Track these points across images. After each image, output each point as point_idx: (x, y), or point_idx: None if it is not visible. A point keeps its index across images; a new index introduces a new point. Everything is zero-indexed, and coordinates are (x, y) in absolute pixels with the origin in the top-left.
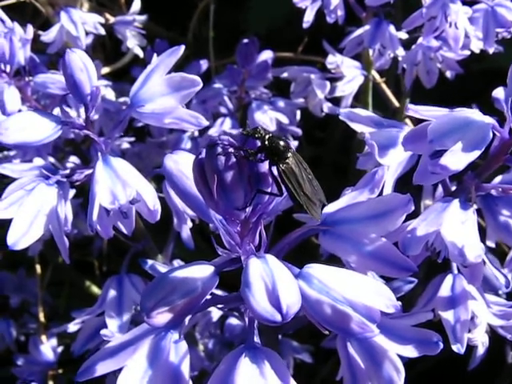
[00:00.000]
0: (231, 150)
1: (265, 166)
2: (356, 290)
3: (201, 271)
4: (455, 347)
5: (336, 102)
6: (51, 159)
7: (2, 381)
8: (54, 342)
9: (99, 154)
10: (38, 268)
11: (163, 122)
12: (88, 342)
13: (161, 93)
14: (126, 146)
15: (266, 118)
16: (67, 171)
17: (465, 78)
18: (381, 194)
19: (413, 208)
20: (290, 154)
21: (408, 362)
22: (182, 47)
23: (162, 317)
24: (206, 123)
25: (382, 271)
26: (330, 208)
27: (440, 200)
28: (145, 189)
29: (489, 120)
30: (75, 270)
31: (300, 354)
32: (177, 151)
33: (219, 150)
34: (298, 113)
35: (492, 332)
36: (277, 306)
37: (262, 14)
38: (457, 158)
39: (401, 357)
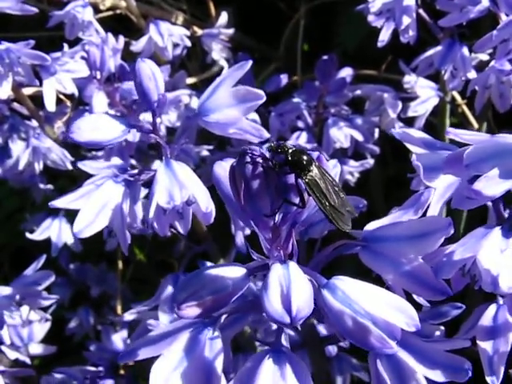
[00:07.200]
0: (259, 160)
1: (292, 178)
2: (378, 305)
3: (233, 272)
4: (489, 379)
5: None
6: (133, 161)
7: None
8: (124, 333)
9: (163, 157)
10: (120, 264)
11: (227, 132)
12: (145, 334)
13: (226, 104)
14: (205, 153)
15: (341, 135)
16: (135, 171)
17: None
18: (425, 215)
19: (452, 231)
20: (313, 167)
21: None
22: (250, 62)
23: (191, 310)
24: (267, 135)
25: (417, 292)
26: (372, 225)
27: (483, 226)
28: (199, 191)
29: None
30: (156, 269)
31: (358, 372)
32: (227, 159)
33: (248, 159)
34: (377, 131)
35: None
36: (288, 308)
37: (352, 31)
38: (492, 184)
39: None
